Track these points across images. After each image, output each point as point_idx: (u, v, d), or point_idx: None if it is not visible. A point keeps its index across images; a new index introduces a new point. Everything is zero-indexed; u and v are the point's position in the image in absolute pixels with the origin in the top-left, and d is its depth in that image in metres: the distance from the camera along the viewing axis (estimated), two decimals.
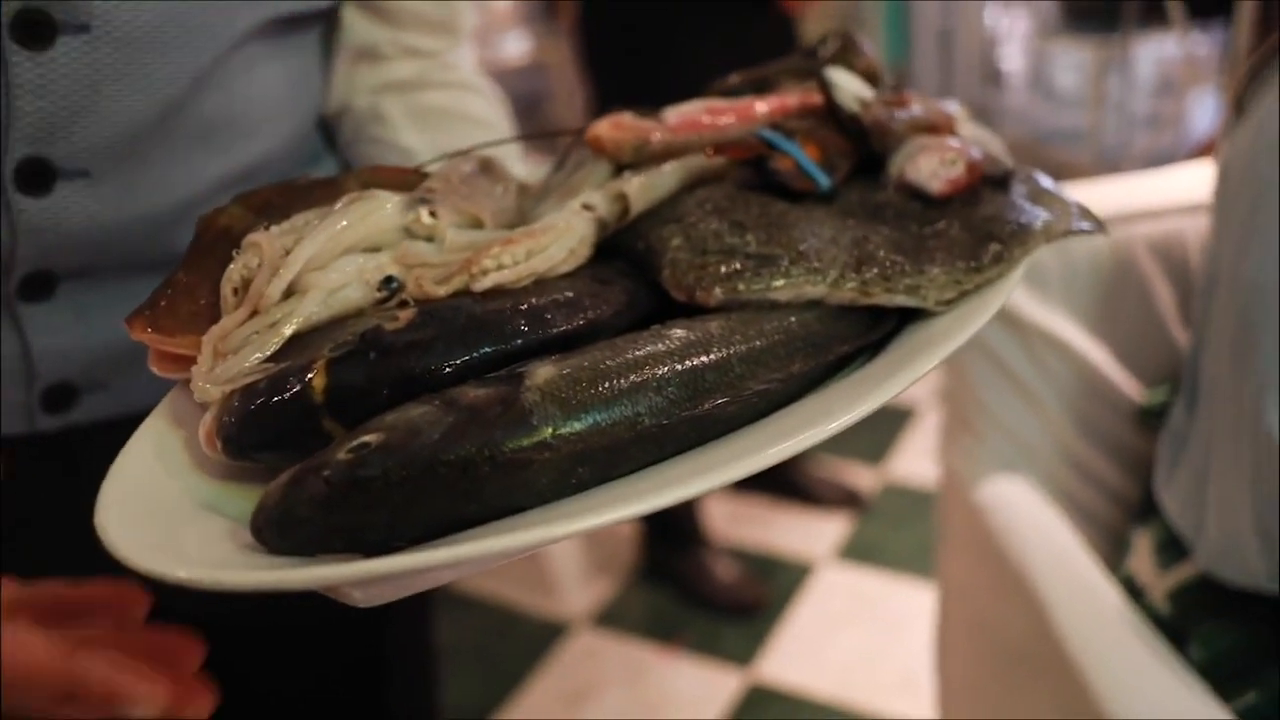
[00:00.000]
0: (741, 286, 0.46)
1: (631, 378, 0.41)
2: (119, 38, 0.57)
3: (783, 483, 2.47)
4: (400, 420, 0.38)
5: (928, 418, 2.76)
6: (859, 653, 2.02)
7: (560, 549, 2.17)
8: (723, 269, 0.47)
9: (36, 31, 0.54)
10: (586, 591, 2.24)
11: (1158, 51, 4.62)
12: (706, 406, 0.41)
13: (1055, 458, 1.17)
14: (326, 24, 0.74)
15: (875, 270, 0.48)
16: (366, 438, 0.38)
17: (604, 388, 0.40)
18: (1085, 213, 0.57)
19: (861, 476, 2.53)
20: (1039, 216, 0.54)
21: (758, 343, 0.44)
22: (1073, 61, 5.06)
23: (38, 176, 0.58)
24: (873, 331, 0.48)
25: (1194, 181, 1.16)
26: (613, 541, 2.39)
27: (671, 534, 2.25)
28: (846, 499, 2.43)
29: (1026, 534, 1.05)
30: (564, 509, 0.38)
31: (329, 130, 0.77)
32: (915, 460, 2.60)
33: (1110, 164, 4.18)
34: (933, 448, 2.55)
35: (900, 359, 0.45)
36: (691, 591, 2.20)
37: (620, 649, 2.09)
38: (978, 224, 0.52)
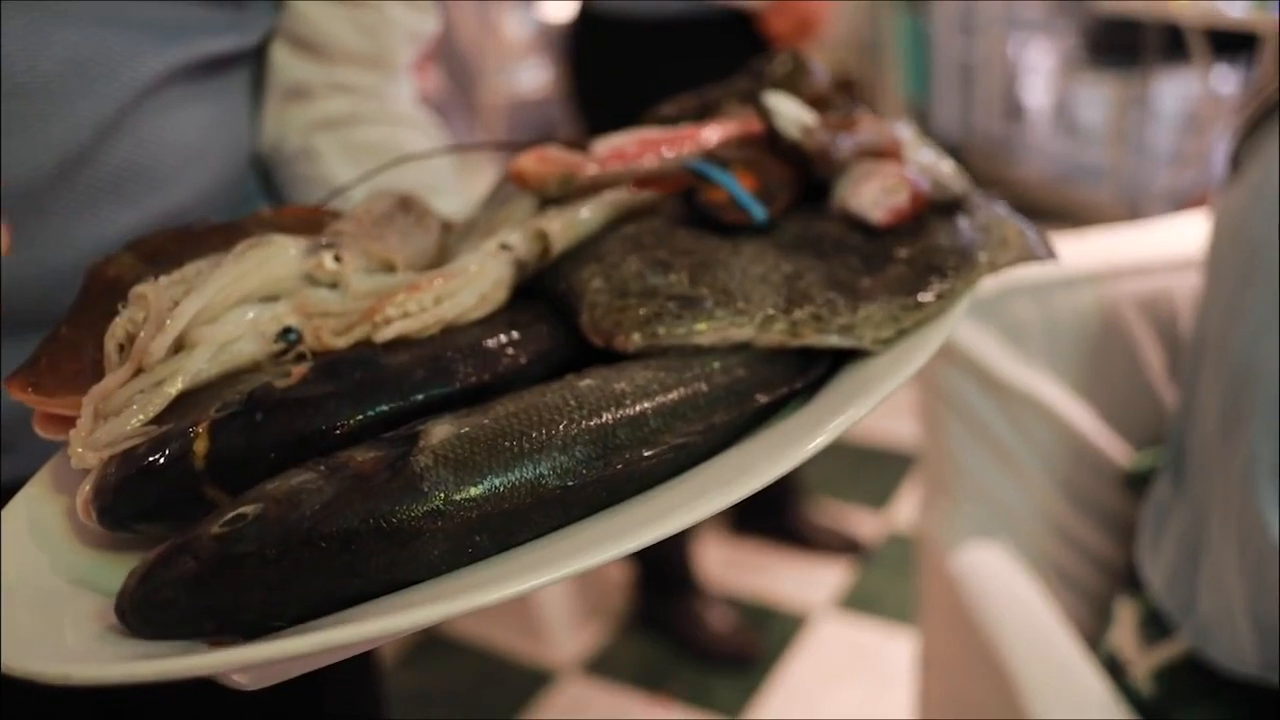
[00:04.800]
0: (662, 331, 0.44)
1: (535, 436, 0.38)
2: (14, 88, 0.54)
3: (781, 529, 2.40)
4: (280, 490, 0.36)
5: None
6: (855, 707, 1.95)
7: (549, 594, 2.11)
8: (642, 312, 0.44)
9: None
10: (576, 638, 2.17)
11: (1182, 88, 4.57)
12: (617, 465, 0.39)
13: (1037, 523, 1.12)
14: (253, 63, 0.71)
15: (807, 310, 0.45)
16: (243, 509, 0.35)
17: (503, 448, 0.37)
18: (1038, 241, 0.55)
19: (864, 523, 2.45)
20: (985, 246, 0.51)
21: (676, 393, 0.41)
22: (1096, 97, 4.97)
23: None
24: (801, 378, 0.45)
25: (1183, 236, 1.12)
26: (604, 588, 2.32)
27: (664, 581, 2.18)
28: (847, 546, 2.36)
29: (1001, 606, 1.00)
30: (457, 583, 0.35)
31: (265, 173, 0.74)
32: (918, 508, 2.52)
33: (1131, 202, 4.13)
34: None
35: (833, 405, 0.43)
36: (683, 640, 2.13)
37: (609, 698, 2.03)
38: (920, 256, 0.50)
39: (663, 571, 2.17)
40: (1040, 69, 5.22)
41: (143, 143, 0.60)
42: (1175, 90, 4.58)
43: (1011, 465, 1.09)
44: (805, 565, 2.34)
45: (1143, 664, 0.94)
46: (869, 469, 2.66)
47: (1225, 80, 4.16)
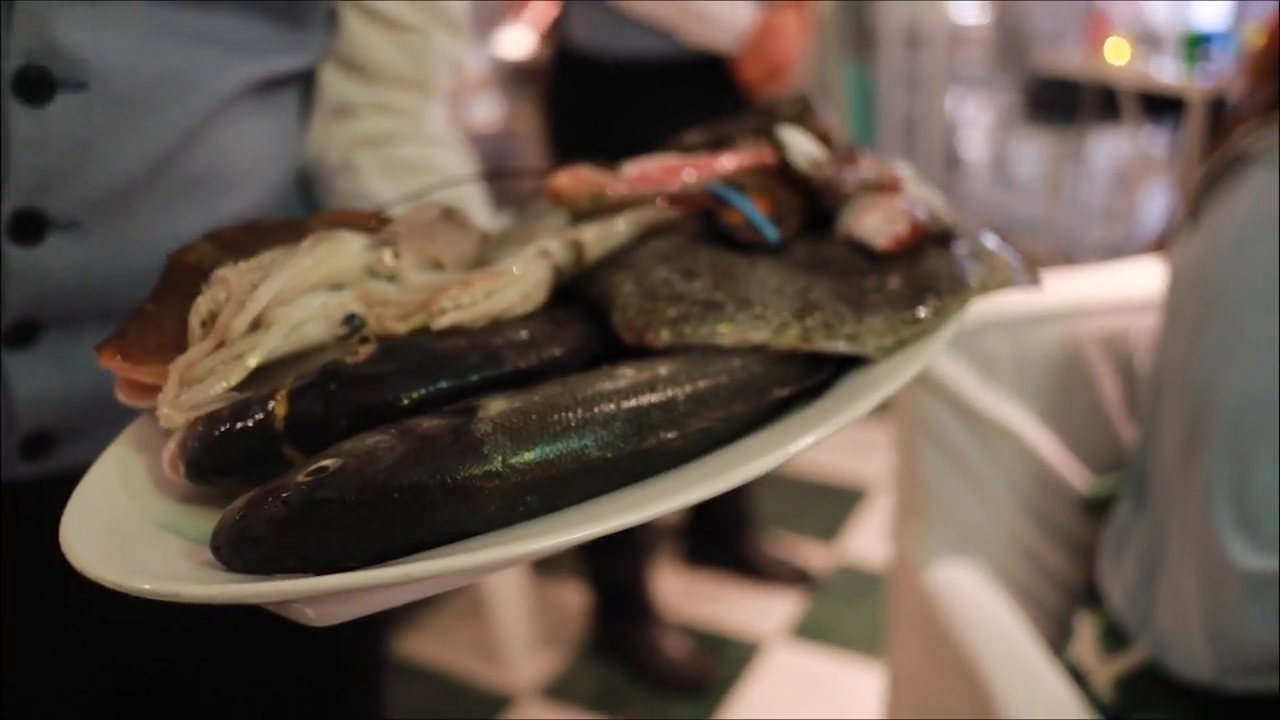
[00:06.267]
0: (688, 330, 0.49)
1: (580, 412, 0.43)
2: (115, 95, 0.59)
3: (735, 559, 2.47)
4: (357, 447, 0.40)
5: (881, 498, 2.77)
6: None
7: (509, 620, 2.16)
8: (671, 313, 0.49)
9: (36, 88, 0.56)
10: (535, 663, 2.22)
11: (1113, 146, 4.78)
12: (651, 442, 0.44)
13: (1003, 543, 1.19)
14: (306, 82, 0.76)
15: (817, 318, 0.50)
16: (325, 462, 0.40)
17: (553, 421, 0.42)
18: (1023, 269, 0.60)
19: (814, 555, 2.53)
20: (976, 272, 0.56)
21: (702, 384, 0.46)
22: (1032, 152, 5.20)
23: (30, 227, 0.59)
24: (811, 377, 0.50)
25: (1139, 279, 1.21)
26: (562, 615, 2.38)
27: (622, 608, 2.24)
28: (798, 577, 2.43)
29: (973, 619, 1.07)
30: (511, 535, 0.40)
31: (305, 184, 0.79)
32: (868, 540, 2.60)
33: (1065, 253, 4.31)
34: (886, 528, 2.57)
35: (838, 402, 0.48)
36: (640, 666, 2.19)
37: None
38: (918, 278, 0.55)
39: (620, 599, 2.22)
40: (979, 124, 5.43)
41: (217, 150, 0.65)
42: (1107, 148, 4.78)
43: (981, 488, 1.16)
44: (757, 595, 2.41)
45: (1103, 673, 1.00)
46: (819, 502, 2.74)
47: (1153, 141, 4.37)
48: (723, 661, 2.21)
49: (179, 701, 0.80)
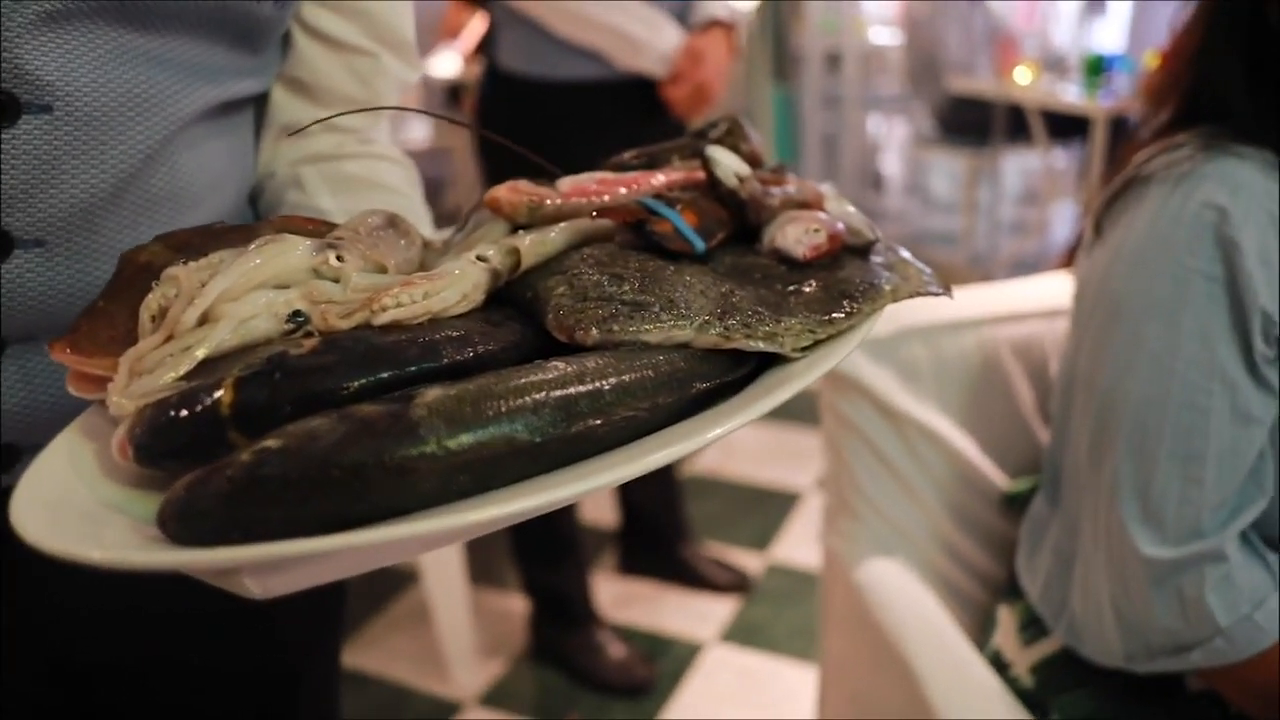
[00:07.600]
0: (616, 328, 0.52)
1: (511, 400, 0.45)
2: (79, 117, 0.61)
3: (670, 566, 2.52)
4: (300, 429, 0.43)
5: (811, 503, 2.85)
6: None
7: (451, 629, 2.20)
8: (600, 312, 0.52)
9: (2, 111, 0.58)
10: (478, 671, 2.27)
11: (1023, 164, 4.98)
12: (578, 428, 0.46)
13: (928, 540, 1.24)
14: (261, 104, 0.79)
15: (738, 319, 0.54)
16: (268, 442, 0.42)
17: (485, 406, 0.45)
18: (933, 279, 0.64)
19: (747, 561, 2.61)
20: (890, 279, 0.60)
21: (628, 376, 0.49)
22: (947, 170, 5.40)
23: None
24: (732, 372, 0.53)
25: (1050, 290, 1.27)
26: (503, 622, 2.42)
27: (561, 614, 2.29)
28: (733, 581, 2.49)
29: (902, 612, 1.12)
30: (443, 509, 0.43)
31: (253, 197, 0.82)
32: (799, 544, 2.69)
33: (981, 266, 4.47)
34: (815, 532, 2.65)
35: (755, 394, 0.51)
36: (581, 671, 2.23)
37: None
38: (835, 284, 0.58)
39: (559, 605, 2.27)
40: (896, 143, 5.64)
41: (176, 170, 0.68)
42: (1017, 166, 5.01)
43: (906, 488, 1.21)
44: (693, 600, 2.49)
45: (1023, 660, 1.05)
46: (751, 510, 2.84)
47: (1060, 159, 4.59)
48: (661, 664, 2.27)
49: (135, 714, 0.81)
